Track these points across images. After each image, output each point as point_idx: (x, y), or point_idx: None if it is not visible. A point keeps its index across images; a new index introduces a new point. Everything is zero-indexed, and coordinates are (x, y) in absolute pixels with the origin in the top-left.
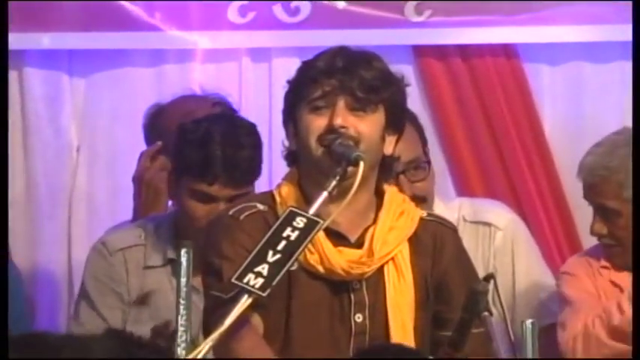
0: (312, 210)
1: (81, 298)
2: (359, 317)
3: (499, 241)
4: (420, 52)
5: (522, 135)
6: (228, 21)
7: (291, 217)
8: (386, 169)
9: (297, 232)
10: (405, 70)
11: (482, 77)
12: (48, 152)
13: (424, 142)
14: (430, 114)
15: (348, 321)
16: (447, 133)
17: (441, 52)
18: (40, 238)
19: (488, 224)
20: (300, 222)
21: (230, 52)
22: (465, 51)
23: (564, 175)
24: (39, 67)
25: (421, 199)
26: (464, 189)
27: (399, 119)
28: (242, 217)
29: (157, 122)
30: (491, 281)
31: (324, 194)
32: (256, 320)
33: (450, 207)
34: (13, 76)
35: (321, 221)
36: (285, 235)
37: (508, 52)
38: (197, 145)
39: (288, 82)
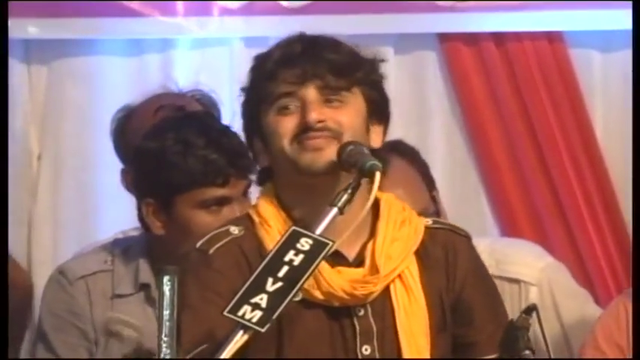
0: (320, 229)
1: (37, 338)
2: (366, 349)
3: (535, 299)
4: (445, 36)
5: (568, 136)
6: (219, 5)
7: (295, 238)
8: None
9: (301, 256)
10: (428, 57)
11: (520, 66)
12: None
13: (430, 184)
14: (458, 110)
15: (353, 355)
16: (479, 134)
17: (470, 35)
18: None
19: (516, 281)
20: (305, 244)
21: (222, 40)
22: (499, 35)
23: (618, 183)
24: None
25: None
26: (497, 200)
27: (381, 104)
28: (211, 250)
29: (126, 128)
30: (533, 314)
31: (334, 210)
32: None
33: None
34: None
35: (331, 242)
36: (287, 259)
37: (551, 35)
38: (185, 153)
39: (242, 89)
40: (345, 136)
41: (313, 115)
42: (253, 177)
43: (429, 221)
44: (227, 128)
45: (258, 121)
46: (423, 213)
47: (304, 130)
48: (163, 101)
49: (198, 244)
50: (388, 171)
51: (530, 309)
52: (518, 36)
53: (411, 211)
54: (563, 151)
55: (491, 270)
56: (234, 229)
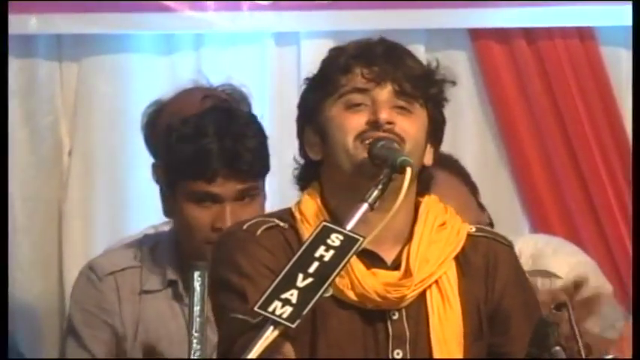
0: (350, 225)
1: (68, 333)
2: (398, 353)
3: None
4: (476, 34)
5: (599, 133)
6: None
7: (325, 233)
8: (425, 181)
9: (332, 252)
10: (459, 56)
11: (551, 63)
12: (27, 158)
13: (474, 191)
14: (489, 109)
15: (384, 358)
16: (510, 131)
17: (501, 33)
18: (23, 261)
19: (548, 274)
20: (335, 239)
21: (252, 38)
22: (530, 32)
23: None
24: (14, 54)
25: None
26: (528, 197)
27: (440, 126)
28: (259, 231)
29: (156, 122)
30: (564, 310)
31: (365, 206)
32: (287, 349)
33: None
34: None
35: (362, 238)
36: (317, 255)
37: (582, 32)
38: (187, 141)
39: (308, 79)
40: (407, 145)
41: (384, 115)
42: (249, 184)
43: (472, 228)
44: (248, 129)
45: (319, 114)
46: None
47: (371, 128)
48: (206, 92)
49: (245, 226)
50: (435, 187)
51: (561, 305)
52: (549, 33)
53: (453, 215)
54: (594, 147)
55: (529, 266)
56: (279, 222)
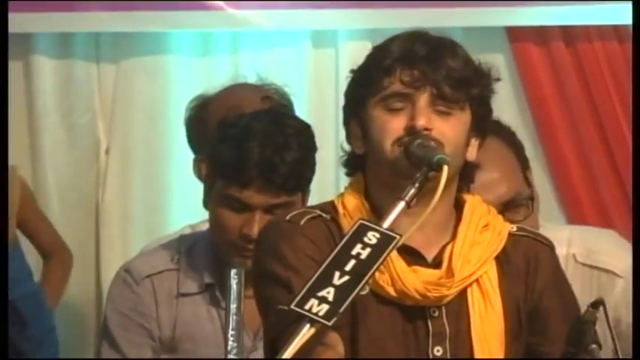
0: (387, 223)
1: (103, 335)
2: (438, 350)
3: (620, 291)
4: (515, 35)
5: (637, 134)
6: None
7: (362, 231)
8: (466, 177)
9: (368, 250)
10: (496, 58)
11: (589, 65)
12: (64, 157)
13: (524, 164)
14: (528, 111)
15: (425, 355)
16: (549, 134)
17: (539, 35)
18: None
19: (607, 271)
20: (372, 237)
21: (290, 40)
22: (568, 34)
23: None
24: (50, 54)
25: None
26: (568, 198)
27: (485, 119)
28: (302, 221)
29: (202, 116)
30: (600, 308)
31: (402, 204)
32: (334, 339)
33: (556, 239)
34: (17, 66)
35: (398, 236)
36: (354, 252)
37: (620, 34)
38: (233, 142)
39: (353, 71)
40: (446, 149)
41: (422, 121)
42: (282, 199)
43: (513, 227)
44: (293, 141)
45: (362, 109)
46: (517, 196)
47: (409, 133)
48: (241, 91)
49: (288, 217)
50: (484, 152)
51: (598, 303)
52: (587, 34)
53: (496, 216)
54: (631, 148)
55: (583, 258)
56: (322, 213)
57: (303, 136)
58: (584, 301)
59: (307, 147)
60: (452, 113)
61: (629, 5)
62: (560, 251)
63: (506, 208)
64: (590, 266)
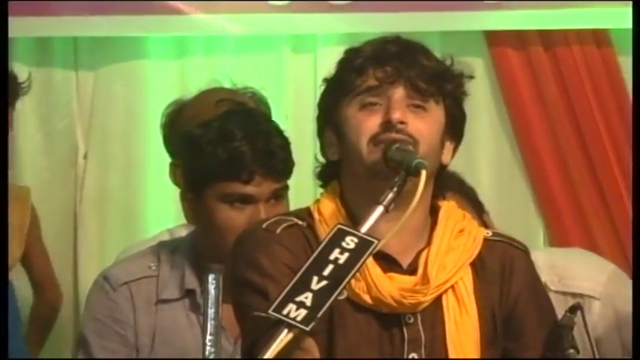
0: (365, 228)
1: (78, 342)
2: (413, 357)
3: (598, 312)
4: (494, 39)
5: (615, 139)
6: (264, 3)
7: (340, 236)
8: (442, 183)
9: (346, 254)
10: (475, 63)
11: (568, 69)
12: (42, 161)
13: (479, 209)
14: (506, 114)
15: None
16: (527, 137)
17: (518, 39)
18: None
19: (580, 295)
20: (350, 242)
21: (268, 39)
22: (546, 38)
23: None
24: (28, 61)
25: None
26: (546, 201)
27: (459, 121)
28: (279, 230)
29: (177, 121)
30: (578, 313)
31: (380, 209)
32: (309, 344)
33: None
34: None
35: (376, 241)
36: (332, 257)
37: (598, 38)
38: (217, 144)
39: (325, 80)
40: (421, 146)
41: (397, 114)
42: (282, 183)
43: (488, 233)
44: (273, 129)
45: (336, 114)
46: None
47: (386, 128)
48: (222, 95)
49: (264, 225)
50: None
51: (575, 308)
52: (566, 39)
53: (471, 221)
54: (609, 151)
55: (555, 286)
56: (298, 220)
57: (276, 124)
58: None
59: (283, 133)
60: (426, 109)
61: (608, 10)
62: None
63: None
64: (564, 293)
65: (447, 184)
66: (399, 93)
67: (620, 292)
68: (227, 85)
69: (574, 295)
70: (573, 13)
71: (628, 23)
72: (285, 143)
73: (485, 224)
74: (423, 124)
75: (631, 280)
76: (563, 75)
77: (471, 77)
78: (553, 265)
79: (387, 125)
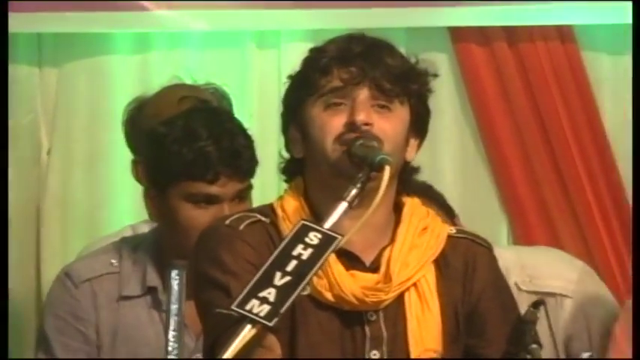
0: (329, 223)
1: (39, 339)
2: (375, 354)
3: (570, 309)
4: (458, 35)
5: (579, 134)
6: None
7: (303, 232)
8: (406, 179)
9: (310, 250)
10: (439, 58)
11: (532, 65)
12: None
13: (449, 213)
14: (470, 110)
15: (362, 359)
16: (491, 135)
17: (482, 35)
18: None
19: (552, 294)
20: (314, 238)
21: (233, 35)
22: (511, 34)
23: (626, 178)
24: None
25: None
26: (510, 197)
27: (424, 119)
28: (242, 226)
29: (138, 118)
30: (541, 308)
31: (344, 204)
32: (271, 342)
33: None
34: None
35: (340, 236)
36: (295, 253)
37: (563, 34)
38: (183, 142)
39: (290, 77)
40: (385, 145)
41: (362, 116)
42: (246, 183)
43: (452, 230)
44: (236, 127)
45: (301, 113)
46: None
47: (350, 129)
48: (184, 92)
49: (227, 221)
50: None
51: (538, 303)
52: (530, 35)
53: (435, 218)
54: (573, 147)
55: (526, 286)
56: (261, 217)
57: (238, 121)
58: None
59: (246, 131)
60: (391, 109)
61: (573, 5)
62: None
63: None
64: (535, 292)
65: (414, 187)
66: (363, 94)
67: (591, 289)
68: (188, 81)
69: (546, 294)
70: (537, 9)
71: (591, 19)
72: (249, 142)
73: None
74: (388, 124)
75: (598, 280)
76: (527, 71)
77: (436, 75)
78: (523, 265)
79: (352, 127)
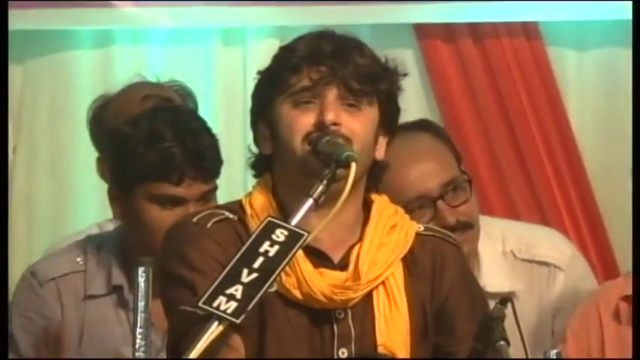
0: (295, 220)
1: (7, 337)
2: (343, 352)
3: (562, 284)
4: (423, 32)
5: (545, 133)
6: None
7: (270, 228)
8: (375, 177)
9: (276, 247)
10: (405, 54)
11: (497, 62)
12: None
13: (459, 159)
14: (436, 107)
15: (330, 356)
16: (457, 130)
17: (447, 32)
18: None
19: (546, 264)
20: (280, 235)
21: (198, 32)
22: (476, 31)
23: (595, 181)
24: None
25: (468, 225)
26: (478, 200)
27: (394, 117)
28: (209, 224)
29: (102, 116)
30: (508, 305)
31: (310, 201)
32: (236, 342)
33: (490, 236)
34: None
35: (306, 233)
36: (262, 250)
37: (528, 31)
38: (148, 143)
39: (260, 72)
40: (354, 144)
41: (330, 116)
42: (211, 184)
43: (420, 227)
44: (201, 127)
45: (270, 110)
46: (455, 179)
47: (319, 129)
48: (147, 90)
49: (195, 219)
50: (415, 146)
51: (505, 300)
52: (495, 31)
53: (403, 215)
54: (539, 144)
55: (522, 254)
56: (229, 214)
57: (202, 121)
58: (526, 295)
59: (210, 130)
60: (360, 108)
61: (538, 2)
62: (496, 248)
63: (447, 191)
64: (530, 261)
65: (426, 127)
66: (332, 94)
67: (582, 267)
68: (152, 79)
69: (540, 263)
70: (503, 6)
71: (557, 15)
72: (213, 142)
73: (463, 172)
74: (357, 123)
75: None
76: (493, 67)
77: (405, 75)
78: (520, 234)
79: (321, 126)
